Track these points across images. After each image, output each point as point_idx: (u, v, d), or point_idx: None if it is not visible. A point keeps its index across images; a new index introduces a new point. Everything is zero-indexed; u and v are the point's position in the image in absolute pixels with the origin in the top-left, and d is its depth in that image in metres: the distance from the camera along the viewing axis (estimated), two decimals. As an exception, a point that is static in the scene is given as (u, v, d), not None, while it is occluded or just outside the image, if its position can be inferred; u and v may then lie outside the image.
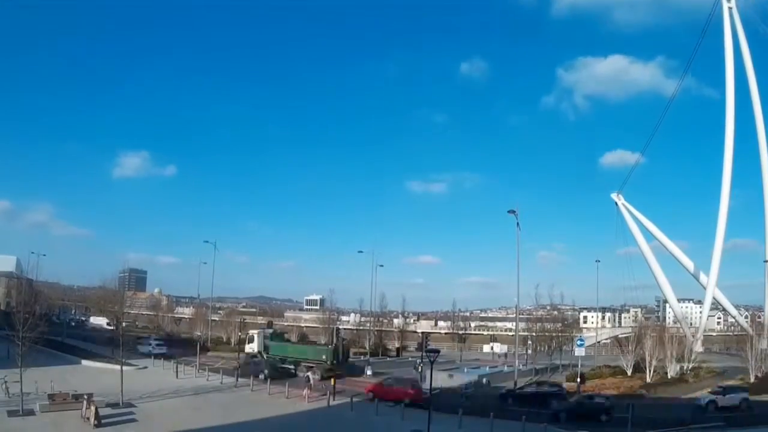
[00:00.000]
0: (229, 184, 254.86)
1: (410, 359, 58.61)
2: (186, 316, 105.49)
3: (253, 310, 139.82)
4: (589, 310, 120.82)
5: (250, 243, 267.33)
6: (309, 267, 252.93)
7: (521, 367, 47.69)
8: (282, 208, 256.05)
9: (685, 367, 44.68)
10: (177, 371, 38.42)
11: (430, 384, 24.00)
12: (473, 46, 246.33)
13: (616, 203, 71.10)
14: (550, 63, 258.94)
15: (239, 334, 60.68)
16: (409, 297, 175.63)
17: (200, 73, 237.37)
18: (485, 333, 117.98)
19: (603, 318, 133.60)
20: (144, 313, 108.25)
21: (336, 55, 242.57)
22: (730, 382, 39.25)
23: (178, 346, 56.66)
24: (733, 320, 79.40)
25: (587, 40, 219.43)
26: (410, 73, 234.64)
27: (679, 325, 62.68)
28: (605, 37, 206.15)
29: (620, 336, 73.93)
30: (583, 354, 43.65)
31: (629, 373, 44.33)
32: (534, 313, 73.88)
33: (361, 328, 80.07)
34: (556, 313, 71.85)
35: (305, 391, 31.08)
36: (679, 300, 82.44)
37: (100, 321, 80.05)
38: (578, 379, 40.13)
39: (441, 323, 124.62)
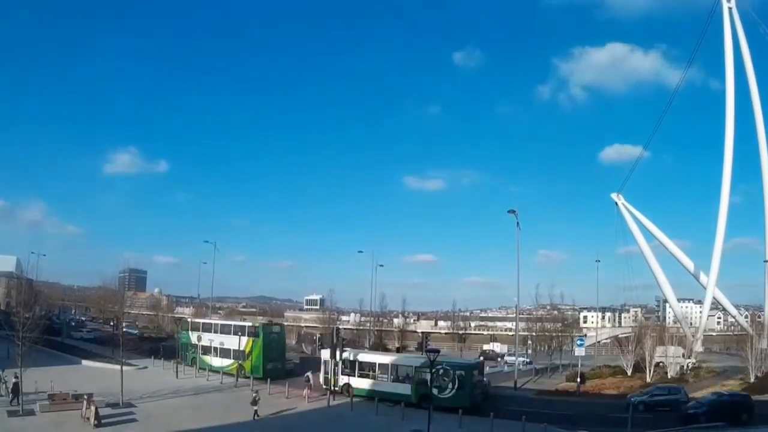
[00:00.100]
0: (226, 183, 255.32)
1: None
2: (186, 317, 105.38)
3: (253, 310, 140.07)
4: (589, 309, 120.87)
5: (249, 243, 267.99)
6: (308, 267, 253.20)
7: (521, 367, 47.73)
8: (279, 206, 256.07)
9: (685, 367, 44.70)
10: (177, 371, 38.42)
11: (430, 384, 24.03)
12: (467, 36, 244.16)
13: (616, 203, 71.02)
14: (546, 52, 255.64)
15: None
16: (409, 297, 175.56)
17: (196, 72, 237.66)
18: (485, 333, 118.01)
19: (603, 318, 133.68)
20: (144, 313, 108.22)
21: (325, 46, 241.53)
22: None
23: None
24: (733, 320, 79.33)
25: (584, 28, 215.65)
26: (402, 64, 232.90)
27: (679, 325, 62.66)
28: (603, 25, 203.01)
29: (620, 336, 73.88)
30: (583, 354, 43.68)
31: (629, 373, 44.35)
32: (534, 312, 74.04)
33: (361, 328, 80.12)
34: (556, 312, 72.02)
35: (305, 391, 31.08)
36: (679, 300, 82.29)
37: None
38: (578, 379, 40.16)
39: (441, 323, 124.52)
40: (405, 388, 30.80)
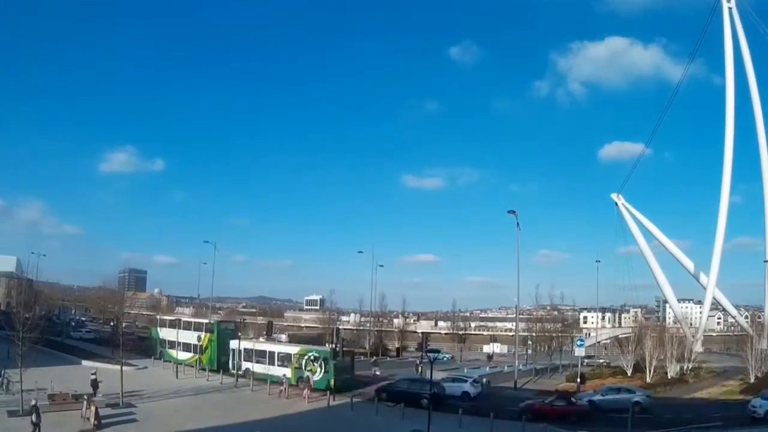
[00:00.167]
0: (225, 182, 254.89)
1: (410, 359, 58.60)
2: (186, 317, 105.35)
3: (253, 310, 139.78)
4: (589, 310, 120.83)
5: (248, 243, 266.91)
6: (308, 267, 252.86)
7: (521, 366, 47.76)
8: (279, 206, 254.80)
9: (685, 368, 44.70)
10: (177, 371, 38.42)
11: (431, 383, 24.06)
12: (463, 30, 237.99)
13: (616, 203, 71.11)
14: (544, 47, 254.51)
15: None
16: (409, 297, 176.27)
17: (195, 71, 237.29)
18: (485, 333, 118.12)
19: (603, 318, 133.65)
20: (144, 313, 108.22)
21: (322, 43, 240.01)
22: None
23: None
24: (733, 320, 79.41)
25: (582, 21, 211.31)
26: (398, 59, 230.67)
27: (679, 325, 62.68)
28: (602, 18, 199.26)
29: (620, 336, 73.95)
30: (583, 354, 43.71)
31: (629, 373, 44.36)
32: (534, 313, 73.95)
33: (361, 328, 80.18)
34: (556, 313, 72.01)
35: (305, 391, 31.12)
36: (679, 300, 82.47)
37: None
38: (578, 379, 40.18)
39: (441, 323, 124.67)
40: (287, 372, 35.56)
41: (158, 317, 52.71)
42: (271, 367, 37.02)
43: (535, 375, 47.72)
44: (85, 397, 24.54)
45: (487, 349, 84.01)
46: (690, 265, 69.41)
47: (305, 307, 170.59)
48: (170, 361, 42.00)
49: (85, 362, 41.61)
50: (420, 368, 43.23)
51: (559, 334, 61.35)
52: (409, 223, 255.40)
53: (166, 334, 45.91)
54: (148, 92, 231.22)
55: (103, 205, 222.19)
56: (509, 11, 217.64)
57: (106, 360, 40.41)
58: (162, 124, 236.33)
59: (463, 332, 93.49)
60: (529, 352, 59.72)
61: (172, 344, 44.49)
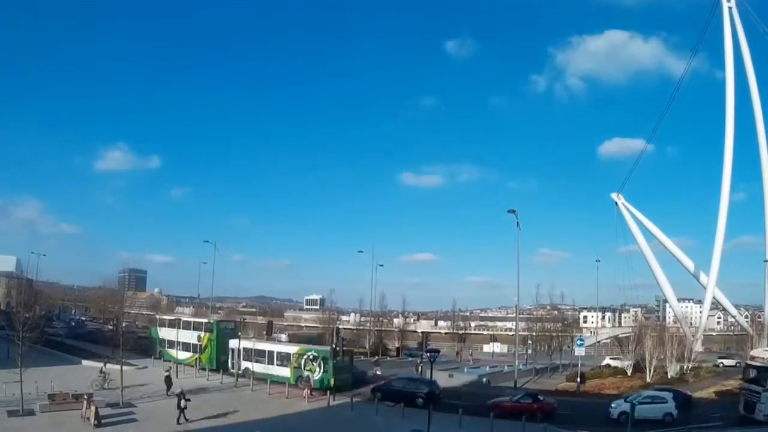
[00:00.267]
0: (224, 182, 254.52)
1: (410, 359, 58.61)
2: (186, 316, 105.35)
3: (253, 309, 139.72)
4: (589, 309, 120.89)
5: (248, 242, 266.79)
6: (308, 266, 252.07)
7: (521, 366, 47.76)
8: (278, 206, 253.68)
9: (685, 367, 44.71)
10: (177, 371, 38.37)
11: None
12: (459, 24, 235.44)
13: (616, 203, 71.06)
14: (542, 41, 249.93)
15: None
16: (409, 296, 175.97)
17: (193, 70, 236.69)
18: (485, 333, 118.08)
19: (603, 318, 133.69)
20: (144, 313, 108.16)
21: (319, 41, 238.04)
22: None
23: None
24: (733, 320, 79.38)
25: (581, 14, 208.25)
26: (393, 54, 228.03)
27: (679, 325, 62.68)
28: (601, 10, 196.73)
29: (620, 336, 73.91)
30: (583, 354, 43.71)
31: (629, 373, 44.36)
32: (534, 312, 73.96)
33: (361, 328, 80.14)
34: (556, 312, 72.00)
35: (305, 391, 31.11)
36: (679, 300, 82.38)
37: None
38: (578, 379, 40.19)
39: (441, 323, 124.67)
40: (286, 371, 35.93)
41: (158, 317, 53.08)
42: (270, 366, 37.21)
43: (535, 375, 47.71)
44: (85, 396, 24.55)
45: (487, 348, 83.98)
46: (690, 264, 69.36)
47: (305, 306, 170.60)
48: (170, 361, 42.16)
49: (85, 362, 41.63)
50: (420, 368, 43.27)
51: (559, 334, 61.33)
52: (409, 223, 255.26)
53: (165, 333, 46.35)
54: (148, 92, 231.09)
55: (101, 205, 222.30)
56: (507, 4, 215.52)
57: (106, 360, 40.37)
58: (162, 124, 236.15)
59: (463, 332, 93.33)
60: (529, 351, 59.73)
61: (172, 344, 44.93)
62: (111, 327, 55.59)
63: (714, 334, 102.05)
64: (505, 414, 26.96)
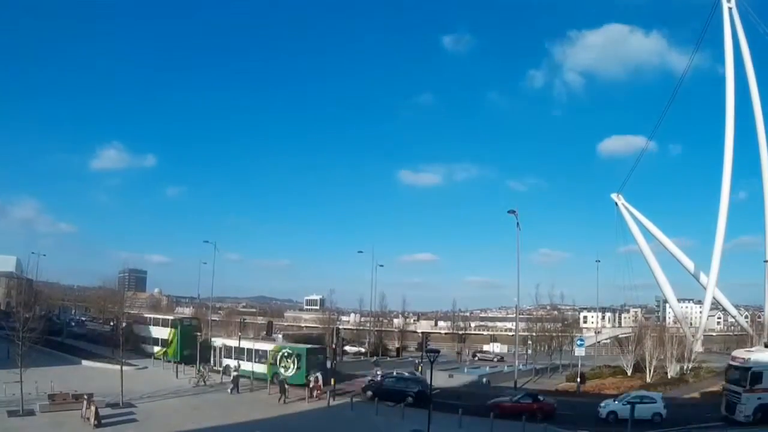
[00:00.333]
0: (224, 182, 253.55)
1: (410, 359, 58.61)
2: (153, 314, 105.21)
3: (253, 310, 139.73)
4: (589, 310, 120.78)
5: (248, 242, 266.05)
6: (308, 267, 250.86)
7: (521, 366, 47.76)
8: (278, 205, 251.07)
9: (685, 367, 44.68)
10: (177, 371, 38.43)
11: (430, 383, 24.05)
12: (456, 19, 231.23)
13: (616, 203, 71.05)
14: (540, 35, 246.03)
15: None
16: (409, 297, 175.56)
17: (192, 70, 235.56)
18: (485, 333, 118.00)
19: (603, 318, 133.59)
20: (144, 313, 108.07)
21: (317, 40, 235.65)
22: None
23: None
24: (733, 320, 79.39)
25: (580, 7, 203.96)
26: (390, 50, 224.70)
27: (679, 325, 62.67)
28: (601, 3, 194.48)
29: (620, 336, 73.89)
30: (583, 354, 43.70)
31: (629, 373, 44.33)
32: (534, 312, 73.91)
33: (361, 328, 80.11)
34: (556, 312, 71.92)
35: (305, 391, 31.11)
36: (679, 300, 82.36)
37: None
38: (578, 379, 40.18)
39: (441, 323, 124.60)
40: (263, 368, 37.11)
41: (146, 316, 56.65)
42: (249, 363, 38.06)
43: (535, 375, 47.69)
44: (85, 396, 24.55)
45: (487, 348, 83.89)
46: (690, 264, 69.34)
47: (305, 307, 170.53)
48: (151, 356, 45.66)
49: (85, 362, 41.67)
50: (420, 367, 43.28)
51: (559, 334, 61.30)
52: (409, 223, 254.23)
53: (139, 330, 49.83)
54: (148, 92, 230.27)
55: (98, 204, 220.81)
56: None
57: (106, 360, 40.45)
58: (161, 124, 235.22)
59: (462, 332, 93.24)
60: (529, 351, 59.73)
61: (147, 340, 48.66)
62: (112, 324, 55.66)
63: (714, 334, 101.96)
64: (505, 414, 27.12)
